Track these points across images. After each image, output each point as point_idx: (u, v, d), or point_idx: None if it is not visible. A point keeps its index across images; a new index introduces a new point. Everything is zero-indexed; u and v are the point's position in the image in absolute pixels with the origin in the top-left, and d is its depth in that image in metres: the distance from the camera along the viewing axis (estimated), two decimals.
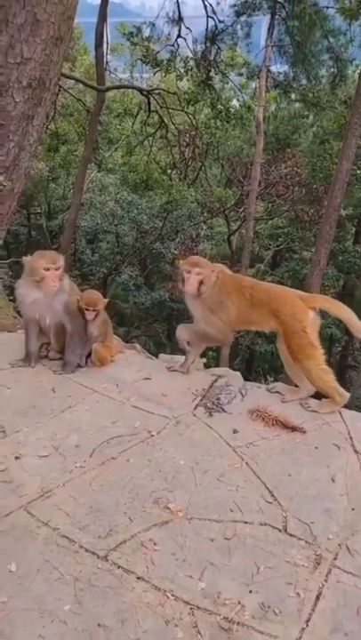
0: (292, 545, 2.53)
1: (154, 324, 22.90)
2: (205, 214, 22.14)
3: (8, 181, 5.43)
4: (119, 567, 2.39)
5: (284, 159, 19.29)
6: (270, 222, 22.02)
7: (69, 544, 2.48)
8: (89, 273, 22.62)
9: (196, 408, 3.47)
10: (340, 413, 3.53)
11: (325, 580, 2.39)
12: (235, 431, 3.25)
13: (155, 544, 2.49)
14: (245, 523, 2.63)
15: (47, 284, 3.68)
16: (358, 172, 17.69)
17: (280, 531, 2.61)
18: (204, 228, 23.02)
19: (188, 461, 3.00)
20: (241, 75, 17.40)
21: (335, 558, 2.47)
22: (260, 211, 20.57)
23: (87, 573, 2.35)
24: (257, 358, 22.65)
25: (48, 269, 3.66)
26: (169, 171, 18.04)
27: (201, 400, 3.54)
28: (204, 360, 4.79)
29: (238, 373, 4.22)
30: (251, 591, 2.33)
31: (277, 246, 22.38)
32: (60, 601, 2.23)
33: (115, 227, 21.77)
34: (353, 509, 2.75)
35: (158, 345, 21.09)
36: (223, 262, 15.08)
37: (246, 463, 3.02)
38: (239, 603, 2.28)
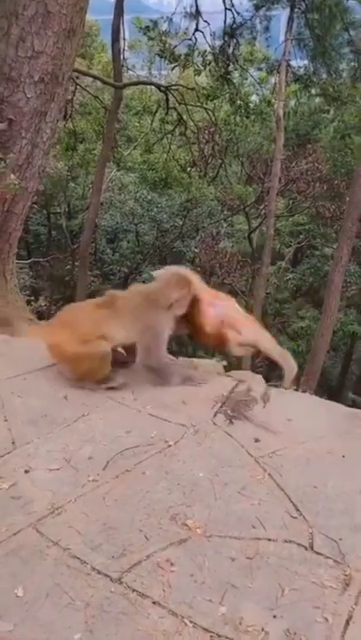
0: (319, 564, 2.33)
1: None
2: (225, 212, 21.94)
3: (20, 180, 5.30)
4: (134, 590, 2.21)
5: (305, 155, 18.97)
6: (291, 219, 21.72)
7: (81, 565, 2.31)
8: (110, 272, 22.58)
9: (215, 415, 3.28)
10: None
11: (355, 604, 2.18)
12: (256, 440, 3.06)
13: (172, 565, 2.31)
14: (269, 540, 2.44)
15: None
16: None
17: (306, 548, 2.41)
18: (225, 225, 22.82)
19: (208, 473, 2.81)
20: (260, 69, 17.11)
21: None
22: (280, 207, 20.29)
23: (99, 598, 2.18)
24: None
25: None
26: (188, 168, 17.84)
27: (221, 407, 3.35)
28: (225, 362, 4.58)
29: (261, 377, 4.03)
30: (275, 616, 2.13)
31: (298, 243, 22.07)
32: (70, 629, 2.06)
33: (135, 225, 21.71)
34: None
35: (180, 343, 20.93)
36: (244, 260, 14.88)
37: (269, 474, 2.82)
38: (263, 629, 2.09)
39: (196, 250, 20.59)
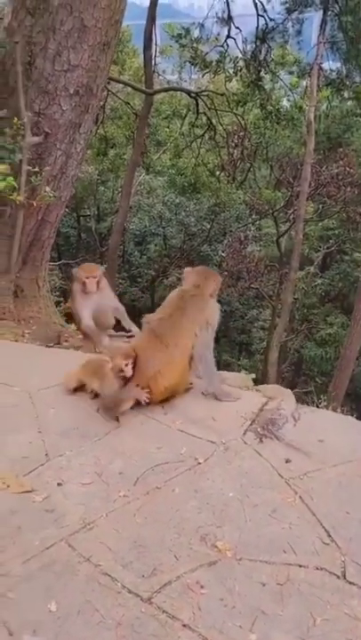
0: (352, 595, 2.32)
1: None
2: (254, 216, 21.85)
3: (55, 190, 5.39)
4: (164, 612, 2.23)
5: (336, 159, 18.77)
6: (320, 224, 21.50)
7: (112, 583, 2.35)
8: (137, 275, 22.71)
9: (245, 433, 3.28)
10: None
11: None
12: (287, 460, 3.05)
13: (202, 587, 2.33)
14: (300, 566, 2.44)
15: None
16: None
17: (338, 577, 2.39)
18: (252, 229, 22.73)
19: (238, 493, 2.82)
20: (291, 73, 17.02)
21: None
22: (309, 212, 20.11)
23: (130, 617, 2.21)
24: (305, 361, 22.18)
25: None
26: (217, 172, 17.84)
27: (251, 424, 3.35)
28: (253, 375, 4.58)
29: (290, 393, 4.01)
30: None
31: (328, 248, 21.83)
32: None
33: (162, 229, 21.80)
34: None
35: None
36: (271, 264, 14.80)
37: (300, 497, 2.81)
38: None
39: (223, 254, 20.54)
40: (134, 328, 4.98)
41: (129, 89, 16.99)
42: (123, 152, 18.58)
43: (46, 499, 2.77)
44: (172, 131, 20.95)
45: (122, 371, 3.41)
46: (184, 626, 2.18)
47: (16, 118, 4.98)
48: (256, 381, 4.48)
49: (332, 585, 2.35)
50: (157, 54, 15.16)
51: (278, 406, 3.52)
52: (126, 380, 3.44)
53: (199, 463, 3.03)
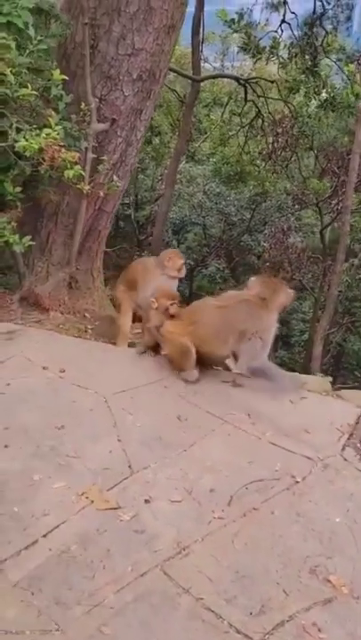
0: None
1: None
2: (296, 206, 21.32)
3: (119, 180, 5.15)
4: None
5: None
6: None
7: (217, 621, 2.11)
8: None
9: (344, 449, 3.01)
10: None
11: None
12: None
13: (319, 630, 2.08)
14: None
15: None
16: None
17: None
18: (292, 219, 22.19)
19: (345, 519, 2.56)
20: (340, 60, 16.42)
21: None
22: (354, 202, 19.48)
23: None
24: (346, 354, 21.66)
25: None
26: (262, 162, 17.37)
27: (349, 439, 3.07)
28: (330, 378, 4.29)
29: None
30: None
31: None
32: None
33: (203, 218, 21.42)
34: None
35: None
36: (315, 256, 14.39)
37: None
38: None
39: (265, 244, 20.10)
40: None
41: (170, 76, 16.61)
42: (167, 140, 18.22)
43: (135, 517, 2.55)
44: (213, 119, 20.49)
45: (167, 309, 4.01)
46: None
47: (83, 104, 4.74)
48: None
49: None
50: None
51: None
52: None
53: (297, 482, 2.76)
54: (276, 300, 3.80)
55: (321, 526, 2.52)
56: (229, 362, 3.93)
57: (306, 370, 16.73)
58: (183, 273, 5.01)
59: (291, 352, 23.18)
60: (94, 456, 2.90)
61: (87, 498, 2.63)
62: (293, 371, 4.35)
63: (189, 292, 21.35)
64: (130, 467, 2.85)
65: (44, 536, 2.44)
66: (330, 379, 4.31)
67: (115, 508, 2.59)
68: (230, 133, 16.61)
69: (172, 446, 3.01)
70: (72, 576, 2.27)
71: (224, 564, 2.34)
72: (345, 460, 2.93)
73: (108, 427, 3.13)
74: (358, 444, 3.00)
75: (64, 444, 2.98)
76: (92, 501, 2.62)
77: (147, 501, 2.64)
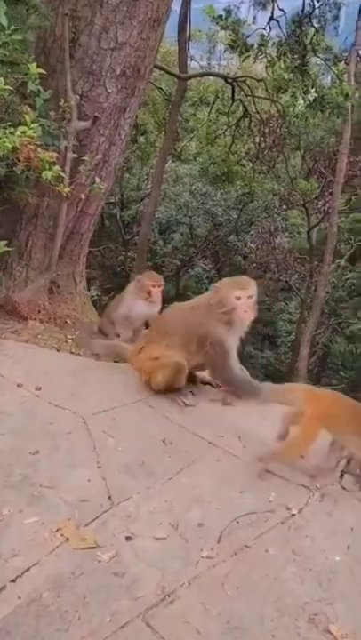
0: None
1: None
2: (283, 206, 21.18)
3: (102, 182, 4.88)
4: None
5: None
6: (351, 216, 20.77)
7: None
8: (161, 264, 22.18)
9: (342, 476, 2.78)
10: None
11: None
12: None
13: None
14: None
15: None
16: None
17: None
18: (278, 220, 22.04)
19: (346, 557, 2.33)
20: (328, 59, 16.28)
21: None
22: (341, 203, 19.38)
23: None
24: (332, 355, 21.60)
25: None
26: (249, 162, 17.19)
27: (348, 464, 2.85)
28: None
29: None
30: None
31: (359, 241, 21.09)
32: None
33: (189, 218, 21.22)
34: None
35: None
36: (301, 257, 14.29)
37: None
38: None
39: (252, 245, 19.95)
40: None
41: (155, 73, 16.32)
42: (153, 139, 17.94)
43: (114, 558, 2.31)
44: (200, 118, 20.27)
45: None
46: None
47: (62, 100, 4.47)
48: (283, 376, 4.19)
49: None
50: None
51: None
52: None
53: (293, 515, 2.53)
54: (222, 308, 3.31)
55: (320, 566, 2.29)
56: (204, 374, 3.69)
57: (293, 370, 16.64)
58: (155, 298, 4.57)
59: (277, 352, 23.07)
60: (71, 486, 2.65)
61: (62, 535, 2.38)
62: (280, 372, 4.09)
63: (176, 293, 21.14)
64: (110, 498, 2.60)
65: (13, 581, 2.19)
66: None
67: (92, 547, 2.34)
68: (217, 133, 16.36)
69: (157, 474, 2.76)
70: (43, 629, 2.02)
71: (213, 612, 2.11)
72: (343, 488, 2.70)
73: (87, 452, 2.88)
74: (358, 471, 2.77)
75: (38, 471, 2.72)
76: (68, 539, 2.37)
77: (128, 538, 2.40)
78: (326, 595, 2.18)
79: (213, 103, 18.17)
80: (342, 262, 21.01)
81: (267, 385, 3.13)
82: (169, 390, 3.43)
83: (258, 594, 2.18)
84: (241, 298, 3.23)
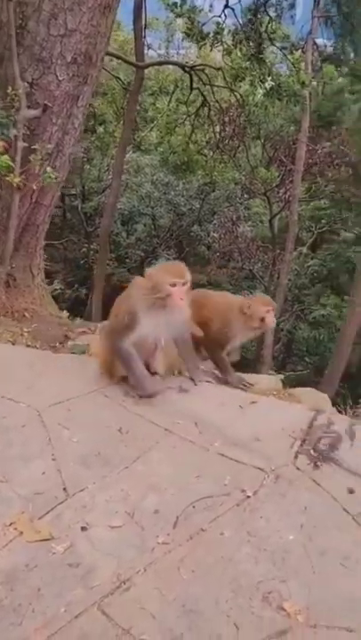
0: None
1: None
2: (245, 195, 21.28)
3: (55, 172, 4.80)
4: None
5: (329, 137, 18.23)
6: (312, 203, 21.01)
7: None
8: (125, 256, 22.05)
9: (297, 457, 2.81)
10: None
11: None
12: (351, 491, 2.59)
13: None
14: None
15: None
16: None
17: None
18: (241, 209, 22.15)
19: (299, 536, 2.36)
20: (285, 48, 16.36)
21: None
22: (302, 191, 19.57)
23: None
24: (296, 342, 21.89)
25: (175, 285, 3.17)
26: (210, 152, 17.20)
27: (302, 445, 2.88)
28: (281, 376, 4.12)
29: (327, 398, 3.58)
30: None
31: (320, 228, 21.38)
32: None
33: (151, 209, 21.12)
34: None
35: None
36: (264, 245, 14.39)
37: None
38: None
39: (215, 234, 20.00)
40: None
41: (113, 63, 16.14)
42: (111, 129, 17.76)
43: (69, 549, 2.29)
44: (159, 108, 20.15)
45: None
46: None
47: (10, 88, 4.37)
48: (249, 363, 4.18)
49: None
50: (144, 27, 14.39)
51: (330, 421, 3.05)
52: None
53: (248, 497, 2.55)
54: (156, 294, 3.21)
55: (274, 546, 2.32)
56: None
57: (258, 358, 16.79)
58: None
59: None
60: (25, 479, 2.62)
61: (15, 529, 2.35)
62: (245, 359, 4.13)
63: None
64: (65, 489, 2.58)
65: None
66: (281, 377, 4.15)
67: (47, 540, 2.32)
68: (177, 122, 16.31)
69: (113, 463, 2.75)
70: None
71: (169, 597, 2.11)
72: (298, 469, 2.74)
73: (42, 444, 2.84)
74: (312, 451, 2.81)
75: None
76: (22, 532, 2.34)
77: (83, 529, 2.38)
78: (280, 573, 2.21)
79: (173, 92, 18.10)
80: (304, 250, 21.28)
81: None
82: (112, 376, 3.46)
83: (213, 576, 2.19)
84: (176, 285, 3.17)
